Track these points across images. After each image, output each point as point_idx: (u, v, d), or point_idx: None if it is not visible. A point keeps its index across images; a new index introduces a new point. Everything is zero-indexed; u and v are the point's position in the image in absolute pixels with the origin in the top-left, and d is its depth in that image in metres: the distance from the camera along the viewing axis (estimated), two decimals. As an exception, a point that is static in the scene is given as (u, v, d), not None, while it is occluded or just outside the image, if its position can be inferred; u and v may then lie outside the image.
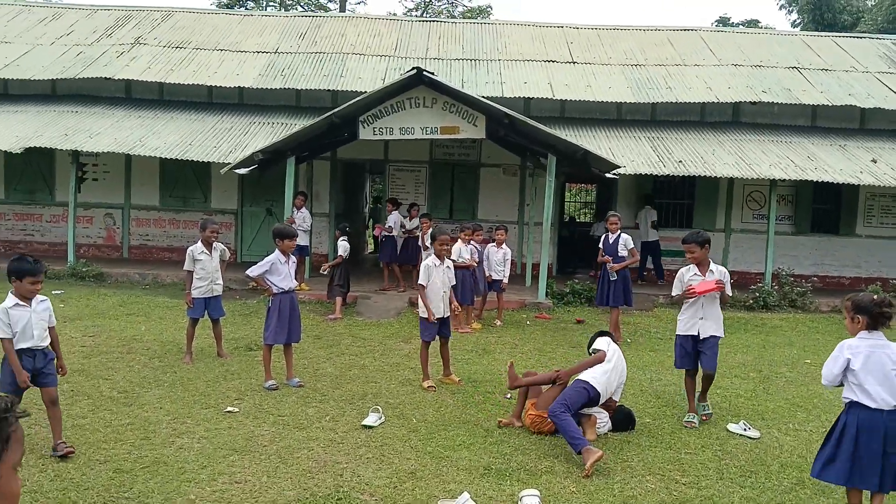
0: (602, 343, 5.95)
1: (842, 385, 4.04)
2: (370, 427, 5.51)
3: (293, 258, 6.92)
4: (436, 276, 6.86)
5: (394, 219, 12.66)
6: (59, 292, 10.99)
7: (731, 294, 5.98)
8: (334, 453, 4.97)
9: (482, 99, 11.27)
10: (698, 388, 6.06)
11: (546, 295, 11.61)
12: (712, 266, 6.01)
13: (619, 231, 9.34)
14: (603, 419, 5.60)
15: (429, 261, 6.96)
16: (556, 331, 9.85)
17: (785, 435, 5.74)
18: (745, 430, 5.72)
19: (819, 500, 4.49)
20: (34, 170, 14.88)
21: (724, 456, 5.20)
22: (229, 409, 5.85)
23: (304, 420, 5.66)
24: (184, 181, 14.97)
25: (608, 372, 5.60)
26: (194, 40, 16.18)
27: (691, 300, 5.92)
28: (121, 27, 16.68)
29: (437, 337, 6.93)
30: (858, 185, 12.79)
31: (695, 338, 5.93)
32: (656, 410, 6.27)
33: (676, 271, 6.20)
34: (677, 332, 6.07)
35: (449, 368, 7.08)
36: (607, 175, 12.12)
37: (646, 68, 15.65)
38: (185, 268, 7.52)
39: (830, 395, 6.95)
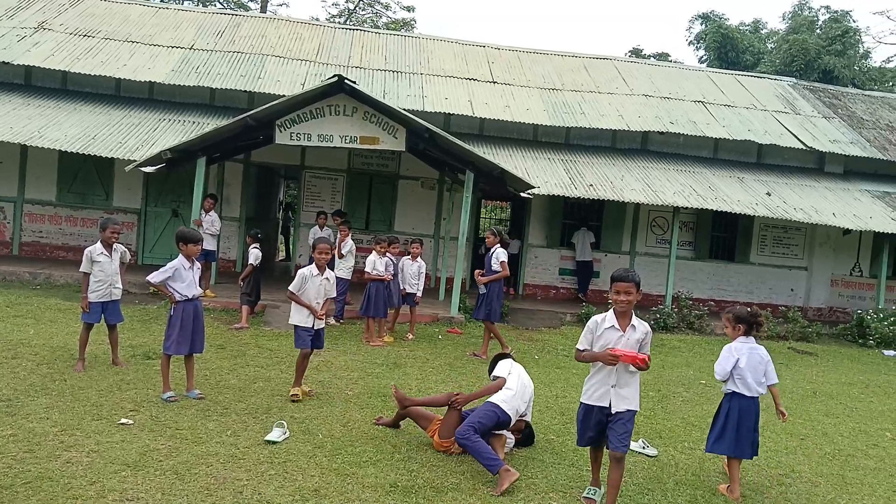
0: (502, 368, 5.84)
1: (725, 381, 5.22)
2: (274, 442, 5.34)
3: (198, 264, 6.65)
4: (310, 286, 6.62)
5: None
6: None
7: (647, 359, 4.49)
8: (235, 469, 4.79)
9: (403, 112, 11.28)
10: (606, 464, 4.74)
11: (459, 310, 11.70)
12: (635, 320, 4.61)
13: (494, 246, 9.39)
14: (510, 439, 5.66)
15: (305, 270, 6.69)
16: (467, 346, 9.91)
17: (680, 453, 5.98)
18: (643, 447, 5.93)
19: (710, 517, 4.69)
20: (-86, 155, 13.74)
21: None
22: (123, 420, 5.54)
23: (203, 434, 5.43)
24: (84, 176, 14.20)
25: (515, 394, 5.57)
26: (104, 29, 15.44)
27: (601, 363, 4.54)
28: (24, 9, 15.72)
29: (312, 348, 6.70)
30: (754, 215, 13.59)
31: (603, 409, 4.56)
32: (561, 427, 6.40)
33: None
34: (582, 400, 4.69)
35: (300, 380, 6.71)
36: (522, 194, 12.37)
37: (562, 93, 16.13)
38: (81, 269, 7.09)
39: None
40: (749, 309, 5.38)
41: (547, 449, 5.79)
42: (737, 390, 5.17)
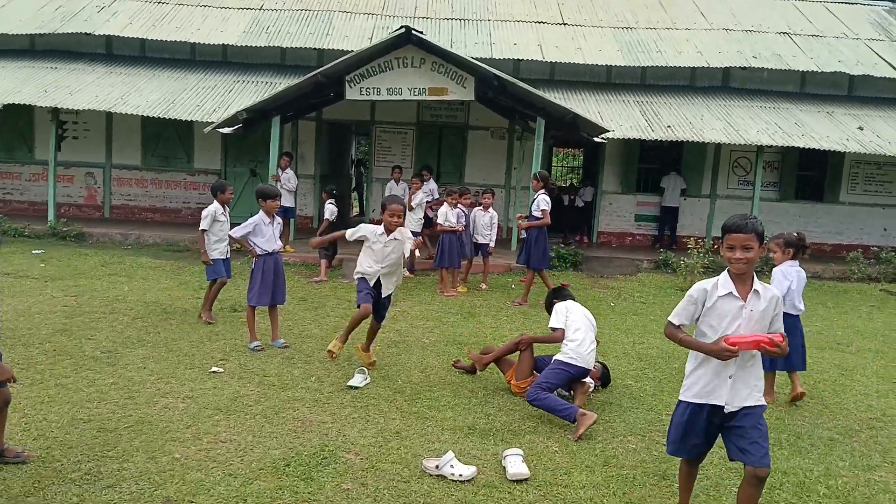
0: (557, 317, 5.44)
1: None
2: (355, 388, 5.53)
3: (278, 219, 6.84)
4: (376, 246, 5.89)
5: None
6: (39, 252, 10.87)
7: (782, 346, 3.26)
8: (320, 413, 4.99)
9: (471, 60, 11.12)
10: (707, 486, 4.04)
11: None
12: (758, 284, 3.35)
13: (539, 192, 9.18)
14: (590, 384, 5.65)
15: (370, 227, 5.97)
16: (540, 294, 9.86)
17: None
18: None
19: (795, 460, 4.57)
20: (12, 127, 14.57)
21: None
22: (214, 369, 5.84)
23: (289, 381, 5.67)
24: (166, 140, 14.75)
25: (581, 343, 5.26)
26: (176, -5, 15.76)
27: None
28: (100, -20, 16.19)
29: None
30: (844, 152, 12.82)
31: (716, 409, 3.39)
32: (638, 373, 6.35)
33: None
34: (682, 398, 3.54)
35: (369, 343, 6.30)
36: (596, 139, 12.07)
37: (637, 31, 15.48)
38: (202, 227, 7.42)
39: (809, 361, 7.07)
40: (796, 233, 5.84)
41: (625, 394, 5.75)
42: (786, 310, 4.35)
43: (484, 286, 10.13)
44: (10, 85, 13.04)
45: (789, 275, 5.62)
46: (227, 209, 7.66)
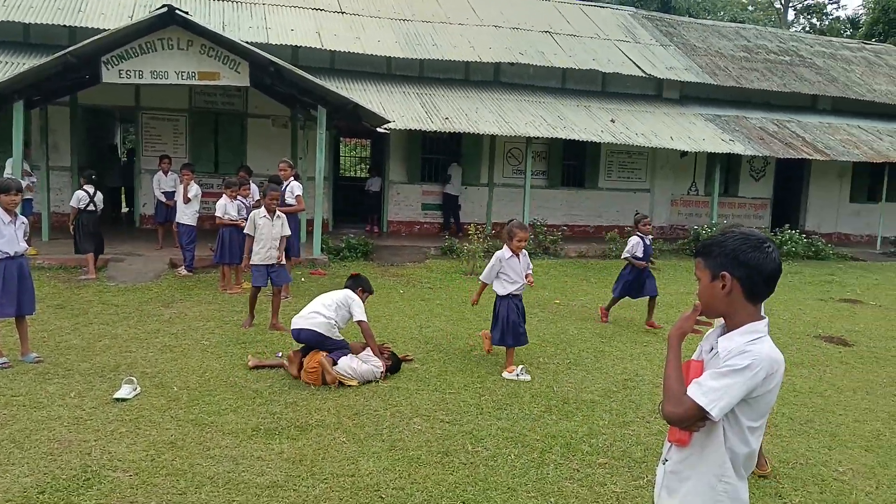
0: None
1: None
2: (123, 400, 5.04)
3: (22, 218, 5.99)
4: (265, 227, 7.36)
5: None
6: None
7: None
8: (81, 431, 4.48)
9: (244, 44, 10.63)
10: None
11: (321, 251, 11.47)
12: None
13: (290, 179, 9.47)
14: (377, 368, 5.70)
15: (257, 213, 7.48)
16: (331, 287, 9.72)
17: (536, 368, 6.29)
18: (517, 375, 6.00)
19: (563, 424, 4.99)
20: None
21: (484, 393, 5.57)
22: (-56, 394, 5.00)
23: (43, 398, 5.02)
24: None
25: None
26: None
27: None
28: None
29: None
30: (600, 142, 14.23)
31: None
32: (425, 356, 6.52)
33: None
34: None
35: (276, 317, 7.42)
36: (378, 129, 12.17)
37: (413, 23, 15.86)
38: None
39: (574, 332, 7.76)
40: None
41: (412, 377, 5.87)
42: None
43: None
44: None
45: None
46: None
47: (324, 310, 5.79)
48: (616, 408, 5.41)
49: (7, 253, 5.75)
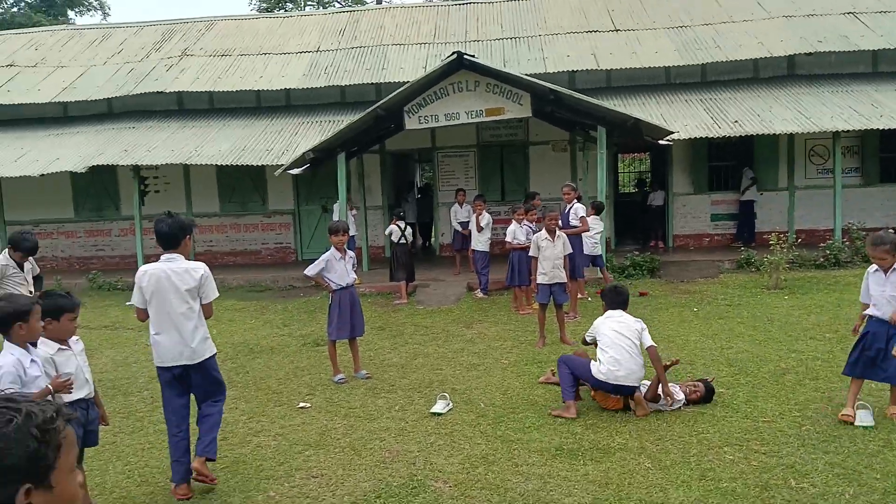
0: (592, 330, 5.65)
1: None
2: (439, 414, 5.55)
3: (350, 253, 6.97)
4: (547, 248, 7.73)
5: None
6: (131, 303, 11.41)
7: None
8: (406, 442, 5.03)
9: (525, 77, 11.13)
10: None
11: (606, 269, 11.43)
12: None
13: (573, 202, 9.58)
14: (680, 398, 5.45)
15: (539, 235, 7.92)
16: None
17: (868, 396, 5.51)
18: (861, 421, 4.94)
19: (909, 462, 4.30)
20: (99, 187, 15.47)
21: (805, 422, 5.04)
22: (302, 404, 5.99)
23: (374, 411, 5.75)
24: (241, 186, 15.33)
25: (605, 363, 5.34)
26: (238, 47, 16.48)
27: None
28: (167, 41, 17.13)
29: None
30: (931, 128, 12.10)
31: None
32: (729, 379, 6.11)
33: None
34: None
35: (564, 331, 7.80)
36: (661, 142, 11.83)
37: (692, 29, 15.15)
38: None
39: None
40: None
41: (717, 402, 5.53)
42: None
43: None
44: (93, 148, 13.89)
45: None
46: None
47: (636, 358, 5.38)
48: None
49: (341, 284, 6.74)
